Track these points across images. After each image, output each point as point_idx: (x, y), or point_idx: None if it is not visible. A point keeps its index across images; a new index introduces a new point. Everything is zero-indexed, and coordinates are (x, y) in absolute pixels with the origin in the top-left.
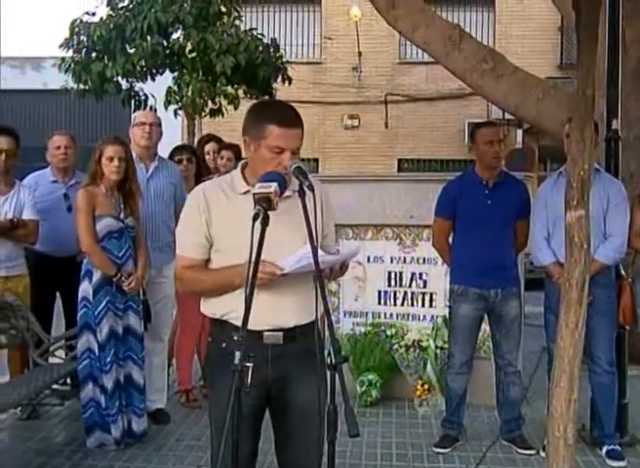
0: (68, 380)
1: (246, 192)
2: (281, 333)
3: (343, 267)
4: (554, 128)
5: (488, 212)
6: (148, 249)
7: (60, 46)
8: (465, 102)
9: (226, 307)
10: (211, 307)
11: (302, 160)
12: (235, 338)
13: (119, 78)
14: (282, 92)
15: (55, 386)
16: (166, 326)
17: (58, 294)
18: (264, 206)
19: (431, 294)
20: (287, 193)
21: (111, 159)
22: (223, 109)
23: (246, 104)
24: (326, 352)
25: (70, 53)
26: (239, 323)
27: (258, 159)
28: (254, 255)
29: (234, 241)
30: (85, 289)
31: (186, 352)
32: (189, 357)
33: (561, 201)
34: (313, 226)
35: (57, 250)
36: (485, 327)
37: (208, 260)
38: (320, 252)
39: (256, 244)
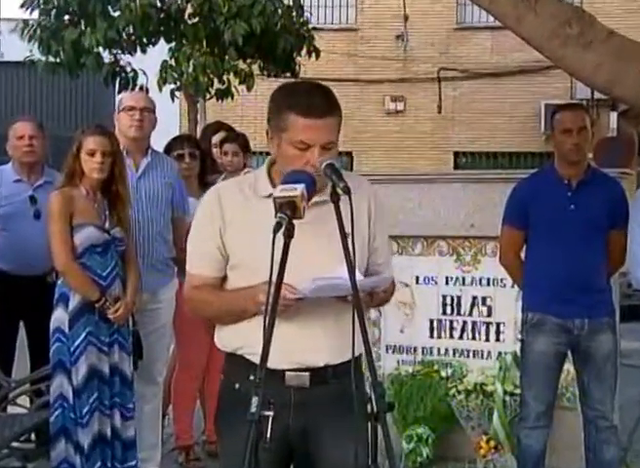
0: (33, 436)
1: (270, 195)
2: (307, 374)
3: (387, 292)
4: None
5: (571, 219)
6: (140, 267)
7: (22, 6)
8: (542, 79)
9: (241, 339)
10: (223, 338)
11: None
12: (251, 378)
13: (100, 49)
14: (308, 67)
15: (15, 444)
16: (161, 363)
17: (22, 325)
18: (288, 213)
19: (498, 325)
20: (319, 198)
21: (93, 153)
22: (233, 90)
23: (262, 84)
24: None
25: (35, 15)
26: (255, 359)
27: (281, 157)
28: (274, 275)
29: (252, 256)
30: (59, 317)
31: (186, 398)
32: (190, 404)
33: None
34: (350, 238)
35: (21, 267)
36: (569, 367)
37: (224, 279)
38: (359, 276)
39: (277, 261)
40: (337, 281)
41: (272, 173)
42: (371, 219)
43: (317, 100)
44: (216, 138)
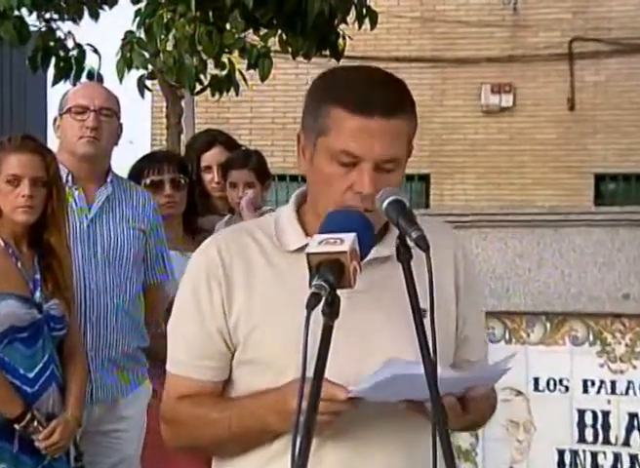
0: None
1: (302, 249)
2: None
3: (484, 406)
4: None
5: None
6: (90, 363)
7: None
8: None
9: None
10: None
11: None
12: None
13: (23, 12)
14: (358, 41)
15: None
16: None
17: None
18: (331, 279)
19: None
20: (375, 253)
21: (17, 182)
22: (239, 78)
23: (283, 69)
24: None
25: None
26: None
27: (314, 177)
28: (309, 371)
29: (276, 343)
30: None
31: None
32: None
33: None
34: (428, 318)
35: None
36: None
37: (227, 382)
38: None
39: (313, 352)
40: (412, 370)
41: (304, 213)
42: (459, 290)
43: (378, 92)
44: (208, 159)
